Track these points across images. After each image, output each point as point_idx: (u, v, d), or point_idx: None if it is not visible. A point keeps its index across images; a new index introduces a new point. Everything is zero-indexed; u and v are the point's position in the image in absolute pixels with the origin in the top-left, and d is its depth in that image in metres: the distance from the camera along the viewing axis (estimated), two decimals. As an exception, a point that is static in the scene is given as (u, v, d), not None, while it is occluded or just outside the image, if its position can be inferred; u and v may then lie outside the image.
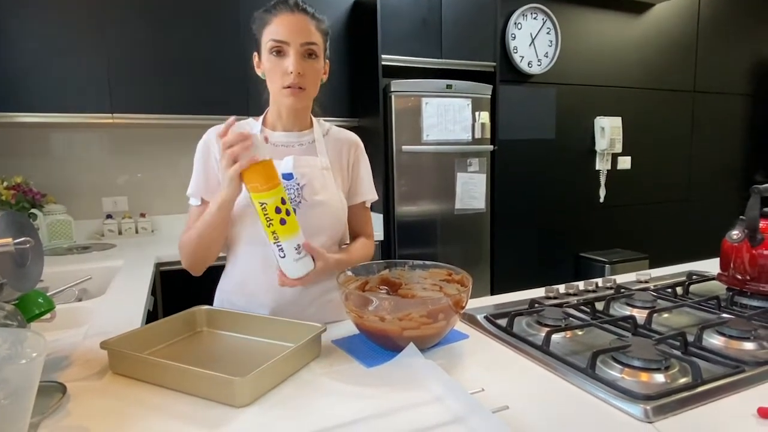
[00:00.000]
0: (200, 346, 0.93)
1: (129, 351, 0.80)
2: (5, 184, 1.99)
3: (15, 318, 0.66)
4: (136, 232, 2.43)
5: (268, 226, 0.90)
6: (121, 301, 1.33)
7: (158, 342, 0.90)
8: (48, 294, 0.87)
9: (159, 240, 2.35)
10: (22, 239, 0.72)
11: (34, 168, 2.29)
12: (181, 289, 1.83)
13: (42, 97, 2.04)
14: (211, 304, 1.14)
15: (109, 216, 2.43)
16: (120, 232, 2.40)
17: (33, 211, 2.04)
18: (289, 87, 0.99)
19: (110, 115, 2.15)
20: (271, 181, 0.89)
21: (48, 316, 0.85)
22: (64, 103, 2.08)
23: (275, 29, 0.98)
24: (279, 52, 0.99)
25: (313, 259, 0.96)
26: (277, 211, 0.89)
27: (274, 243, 0.91)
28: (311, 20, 1.00)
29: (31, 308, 0.82)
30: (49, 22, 2.04)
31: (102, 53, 2.12)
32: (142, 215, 2.48)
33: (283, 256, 0.92)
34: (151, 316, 1.41)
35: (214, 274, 1.18)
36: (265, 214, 0.89)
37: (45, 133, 2.34)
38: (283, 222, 0.89)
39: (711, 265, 1.41)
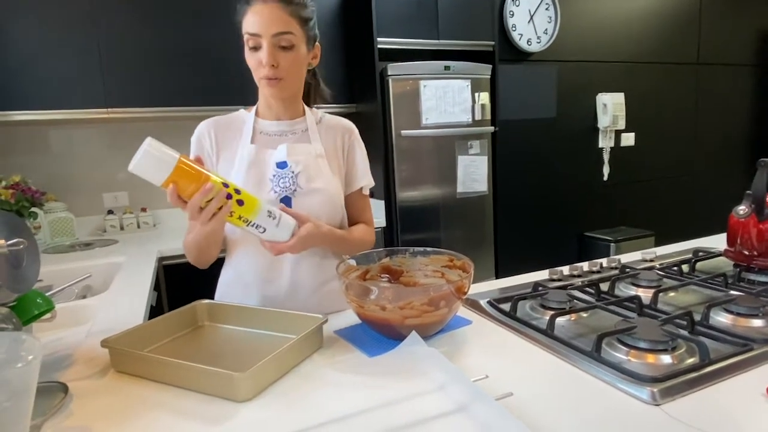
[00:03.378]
0: (202, 340, 0.92)
1: (130, 349, 0.80)
2: (3, 183, 1.98)
3: (10, 321, 0.65)
4: (138, 227, 2.43)
5: (231, 216, 0.85)
6: (124, 297, 1.33)
7: (160, 338, 0.90)
8: (47, 294, 0.86)
9: (161, 234, 2.35)
10: (15, 240, 0.71)
11: (33, 166, 2.28)
12: (184, 283, 1.82)
13: (36, 94, 2.03)
14: (214, 297, 1.14)
15: (110, 212, 2.42)
16: (122, 228, 2.40)
17: (33, 209, 2.03)
18: (265, 78, 0.99)
19: (105, 109, 2.13)
20: (200, 176, 0.81)
21: (48, 315, 0.85)
22: (59, 99, 2.06)
23: (249, 21, 0.96)
24: (254, 44, 0.97)
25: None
26: (228, 197, 0.83)
27: (247, 225, 0.87)
28: (285, 7, 0.96)
29: (30, 309, 0.81)
30: (40, 19, 2.01)
31: (94, 47, 2.09)
32: (143, 210, 2.48)
33: (263, 231, 0.88)
34: (154, 311, 1.41)
35: (216, 267, 1.18)
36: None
37: (42, 131, 2.33)
38: (240, 203, 0.84)
39: (717, 241, 1.39)
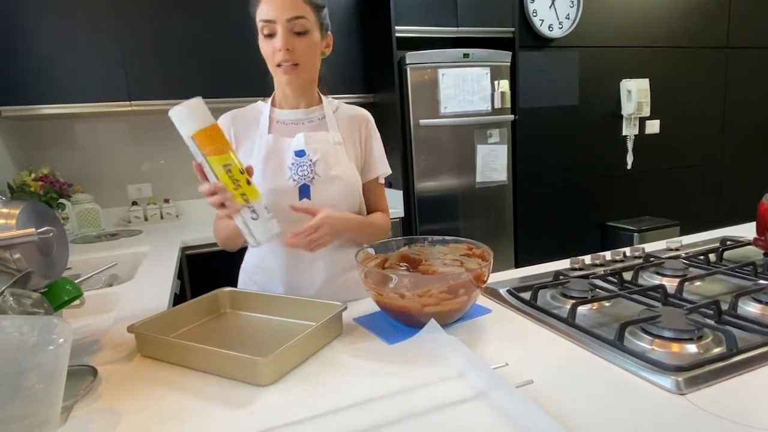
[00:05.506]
0: (224, 327, 0.94)
1: (155, 334, 0.82)
2: (33, 175, 2.04)
3: (41, 306, 0.68)
4: (162, 217, 2.48)
5: (236, 188, 0.85)
6: (149, 285, 1.36)
7: (184, 324, 0.92)
8: (76, 281, 0.89)
9: (184, 224, 2.39)
10: (45, 228, 0.73)
11: (60, 158, 2.35)
12: (206, 272, 1.86)
13: (62, 88, 2.08)
14: (236, 285, 1.16)
15: (134, 203, 2.48)
16: (146, 218, 2.45)
17: (61, 201, 2.09)
18: (281, 65, 1.00)
19: (128, 102, 2.17)
20: (227, 143, 0.87)
21: (78, 302, 0.87)
22: (83, 93, 2.11)
23: (263, 9, 0.99)
24: (269, 31, 0.99)
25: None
26: (242, 172, 0.86)
27: (245, 205, 0.86)
28: None
29: (60, 295, 0.84)
30: (64, 14, 2.05)
31: (116, 41, 2.13)
32: (166, 201, 2.53)
33: (256, 218, 0.88)
34: (178, 299, 1.44)
35: (238, 256, 1.20)
36: (231, 176, 0.85)
37: (68, 124, 2.39)
38: (249, 182, 0.87)
39: (746, 230, 1.35)
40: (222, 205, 0.86)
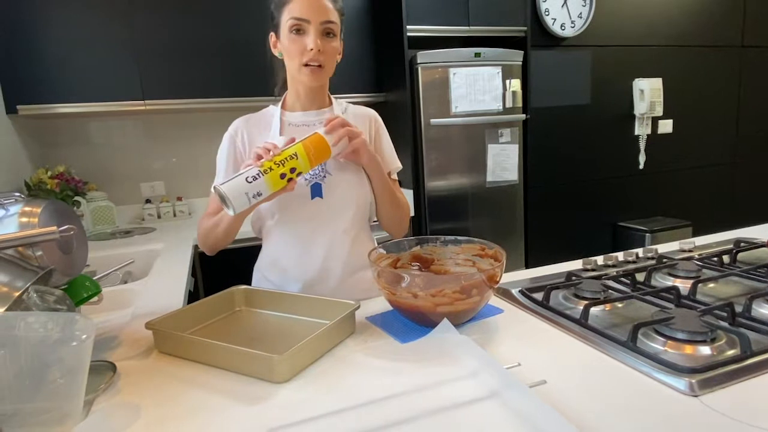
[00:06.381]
0: (239, 324, 0.95)
1: (172, 331, 0.84)
2: (49, 173, 2.08)
3: (64, 302, 0.69)
4: (174, 215, 2.51)
5: (276, 164, 0.91)
6: (164, 282, 1.38)
7: (200, 321, 0.93)
8: (94, 278, 0.91)
9: (196, 222, 2.41)
10: (66, 227, 0.75)
11: (75, 157, 2.38)
12: (219, 270, 1.88)
13: (77, 87, 2.11)
14: (247, 283, 1.18)
15: (147, 201, 2.51)
16: (159, 216, 2.48)
17: (77, 198, 2.13)
18: (307, 65, 1.01)
19: (142, 101, 2.20)
20: (316, 161, 0.95)
21: (96, 299, 0.89)
22: (98, 92, 2.14)
23: (295, 7, 0.99)
24: (299, 30, 1.00)
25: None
26: (292, 170, 0.92)
27: (259, 169, 0.91)
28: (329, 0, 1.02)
29: (80, 292, 0.86)
30: (79, 14, 2.08)
31: (130, 41, 2.16)
32: (179, 199, 2.55)
33: (250, 182, 0.90)
34: (192, 296, 1.46)
35: (249, 254, 1.22)
36: (284, 159, 0.92)
37: (83, 123, 2.42)
38: (282, 176, 0.92)
39: (760, 232, 1.34)
40: (259, 157, 0.92)
